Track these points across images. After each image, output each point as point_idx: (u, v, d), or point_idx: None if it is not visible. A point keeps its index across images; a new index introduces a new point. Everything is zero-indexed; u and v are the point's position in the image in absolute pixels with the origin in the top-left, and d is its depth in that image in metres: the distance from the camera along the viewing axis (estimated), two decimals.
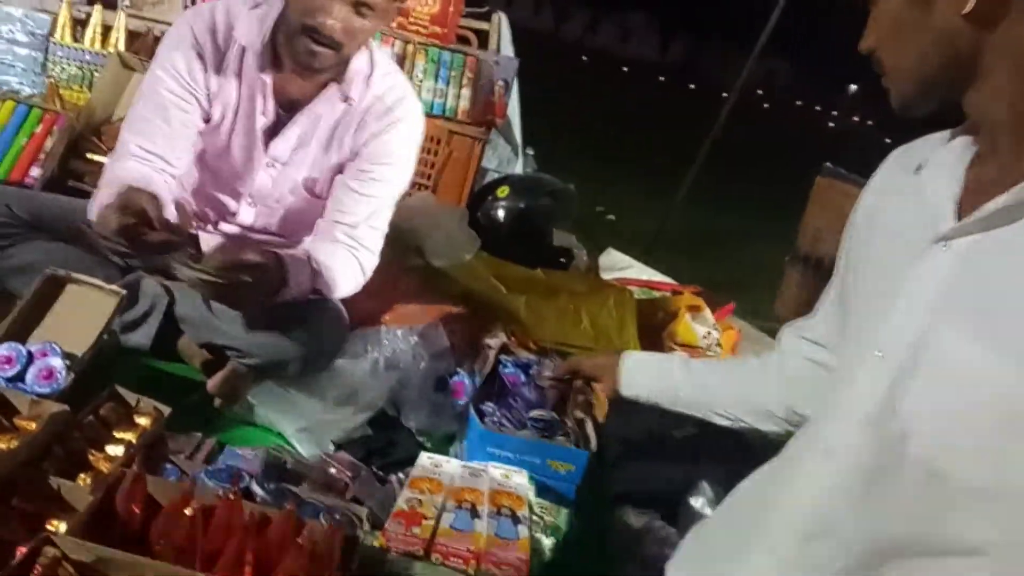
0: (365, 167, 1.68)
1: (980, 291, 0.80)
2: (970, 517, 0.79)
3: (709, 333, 2.57)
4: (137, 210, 1.36)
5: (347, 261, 1.65)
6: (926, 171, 0.92)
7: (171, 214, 1.42)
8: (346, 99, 1.65)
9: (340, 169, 1.72)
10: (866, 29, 0.90)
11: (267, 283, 1.47)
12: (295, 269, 1.53)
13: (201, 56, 1.61)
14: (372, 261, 1.71)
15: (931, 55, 0.83)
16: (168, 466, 1.30)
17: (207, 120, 1.67)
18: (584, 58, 23.98)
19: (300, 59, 1.55)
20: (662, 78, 24.96)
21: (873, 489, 0.85)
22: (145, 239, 1.36)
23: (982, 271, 0.80)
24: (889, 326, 0.86)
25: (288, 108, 1.67)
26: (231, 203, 1.76)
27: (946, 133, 0.95)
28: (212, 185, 1.75)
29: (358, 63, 1.64)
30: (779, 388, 1.21)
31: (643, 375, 1.37)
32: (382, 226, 1.72)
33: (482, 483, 1.36)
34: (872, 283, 0.95)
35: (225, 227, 1.77)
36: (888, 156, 1.05)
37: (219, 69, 1.63)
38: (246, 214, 1.76)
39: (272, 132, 1.68)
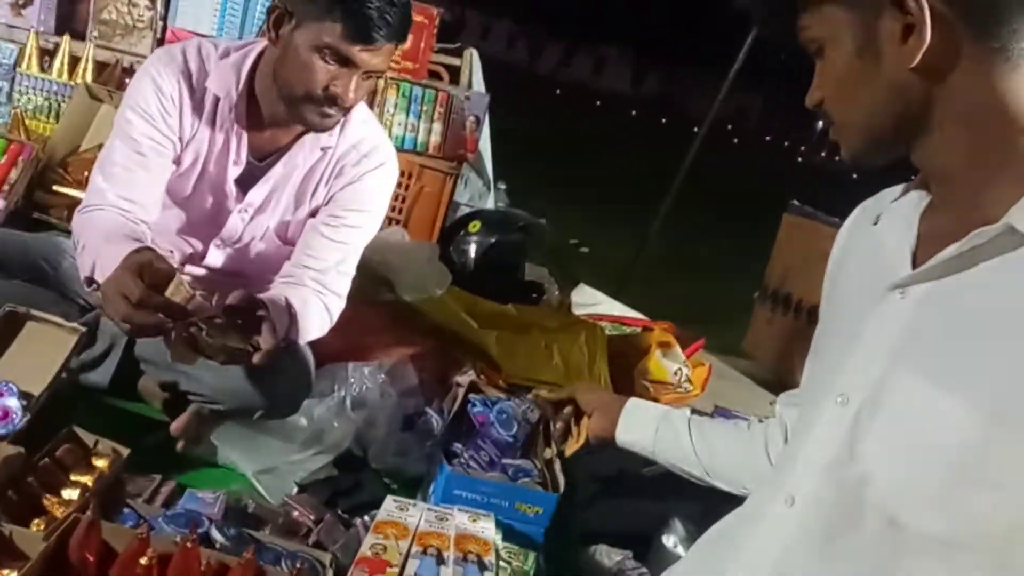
0: (338, 213, 1.66)
1: (936, 337, 0.81)
2: (926, 566, 0.79)
3: (680, 370, 2.57)
4: (159, 273, 1.25)
5: (315, 307, 1.61)
6: (883, 222, 0.93)
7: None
8: (323, 149, 1.64)
9: (312, 214, 1.70)
10: (813, 82, 0.89)
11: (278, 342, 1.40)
12: (279, 318, 1.49)
13: (174, 100, 1.57)
14: (339, 305, 1.68)
15: (880, 108, 0.84)
16: (126, 510, 1.26)
17: (176, 163, 1.63)
18: (558, 91, 24.24)
19: (310, 122, 1.52)
20: (634, 112, 25.29)
21: (834, 537, 0.85)
22: (170, 306, 1.24)
23: (938, 317, 0.81)
24: (849, 372, 0.87)
25: (260, 156, 1.65)
26: (199, 246, 1.72)
27: (901, 186, 0.96)
28: (178, 228, 1.71)
29: None
30: (766, 454, 1.20)
31: (646, 425, 1.33)
32: (350, 271, 1.70)
33: (448, 527, 1.34)
34: (834, 333, 0.96)
35: (192, 269, 1.73)
36: (853, 212, 1.06)
37: (192, 115, 1.59)
38: (214, 257, 1.72)
39: (243, 180, 1.65)
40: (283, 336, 1.46)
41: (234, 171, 1.63)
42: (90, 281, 1.44)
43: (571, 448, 1.47)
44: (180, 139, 1.59)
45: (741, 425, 1.28)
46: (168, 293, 1.25)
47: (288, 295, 1.55)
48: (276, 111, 1.57)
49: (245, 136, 1.60)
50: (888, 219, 0.92)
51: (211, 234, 1.70)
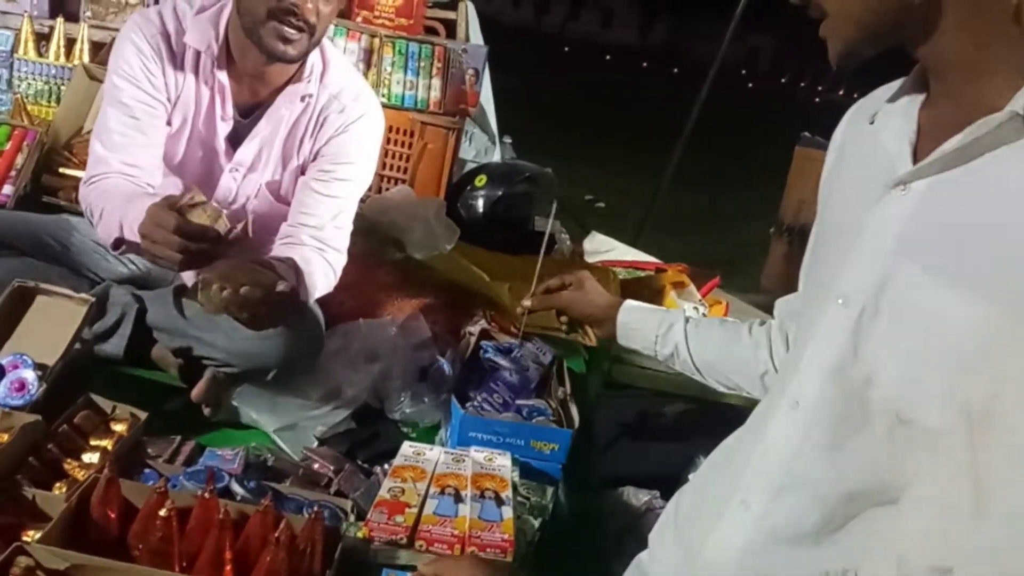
0: (327, 167, 1.66)
1: (939, 232, 0.79)
2: (932, 458, 0.79)
3: (696, 308, 2.56)
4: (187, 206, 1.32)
5: (318, 264, 1.61)
6: (879, 120, 0.91)
7: None
8: (303, 98, 1.63)
9: (302, 170, 1.70)
10: None
11: (293, 302, 1.42)
12: (287, 273, 1.49)
13: (155, 60, 1.57)
14: (341, 260, 1.69)
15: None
16: (147, 471, 1.28)
17: (168, 124, 1.64)
18: (566, 48, 23.92)
19: (271, 48, 1.50)
20: (645, 63, 24.90)
21: (841, 438, 0.86)
22: (206, 230, 1.31)
23: (940, 212, 0.80)
24: (849, 272, 0.86)
25: (245, 113, 1.64)
26: None
27: (897, 82, 0.94)
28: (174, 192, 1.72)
29: (312, 60, 1.62)
30: (770, 357, 1.21)
31: (645, 328, 1.35)
32: (347, 224, 1.70)
33: (465, 468, 1.35)
34: (833, 234, 0.94)
35: None
36: (846, 113, 1.04)
37: (175, 73, 1.59)
38: None
39: (232, 137, 1.65)
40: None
41: (223, 127, 1.63)
42: (119, 243, 1.47)
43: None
44: (168, 99, 1.60)
45: (741, 328, 1.27)
46: (197, 218, 1.32)
47: (290, 255, 1.56)
48: (250, 58, 1.57)
49: (228, 90, 1.60)
50: (884, 116, 0.91)
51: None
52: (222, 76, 1.59)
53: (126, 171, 1.56)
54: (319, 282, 1.62)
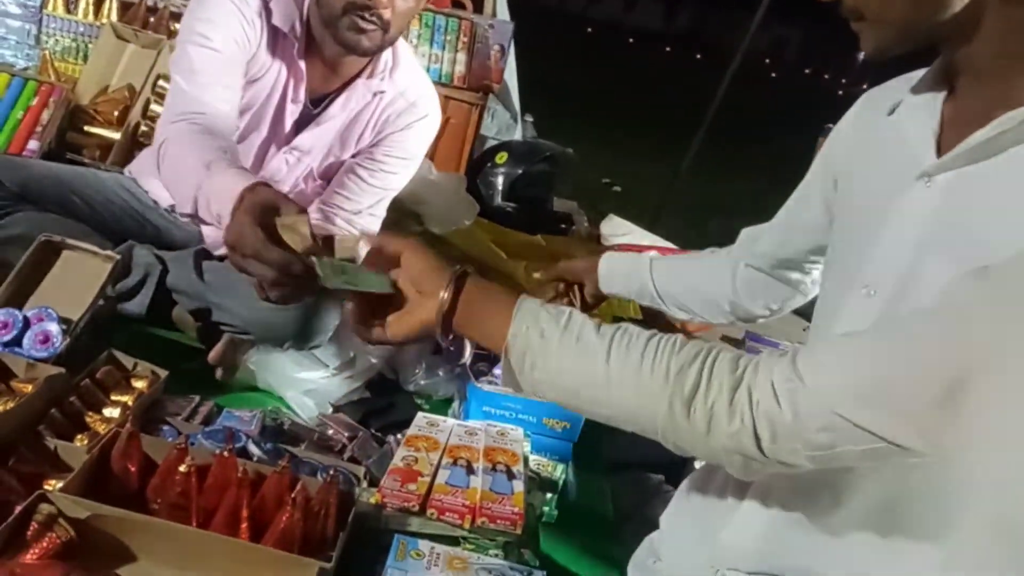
0: (379, 158, 1.68)
1: (965, 224, 0.80)
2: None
3: None
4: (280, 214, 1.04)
5: None
6: (902, 110, 0.92)
7: None
8: (376, 93, 1.65)
9: (353, 155, 1.72)
10: None
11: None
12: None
13: (255, 27, 1.54)
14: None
15: (929, 5, 0.80)
16: (165, 428, 1.30)
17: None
18: (588, 29, 23.73)
19: (346, 39, 1.51)
20: (668, 48, 24.68)
21: None
22: (286, 263, 0.99)
23: (966, 204, 0.81)
24: (874, 263, 0.87)
25: (315, 101, 1.66)
26: None
27: (915, 74, 0.94)
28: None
29: (385, 56, 1.64)
30: (727, 285, 1.33)
31: (619, 272, 1.46)
32: (381, 214, 1.73)
33: (478, 441, 1.37)
34: (855, 223, 0.95)
35: None
36: (857, 100, 1.06)
37: (263, 51, 1.58)
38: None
39: (298, 122, 1.67)
40: None
41: (292, 110, 1.65)
42: (192, 217, 1.32)
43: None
44: (250, 68, 1.58)
45: (696, 255, 1.41)
46: (288, 239, 1.01)
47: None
48: (327, 47, 1.57)
49: (305, 73, 1.60)
50: (907, 109, 0.91)
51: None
52: (301, 60, 1.59)
53: (210, 111, 1.46)
54: None
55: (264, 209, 1.03)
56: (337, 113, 1.66)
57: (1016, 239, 0.74)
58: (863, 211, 0.93)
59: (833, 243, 1.03)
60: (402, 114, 1.68)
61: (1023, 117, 0.75)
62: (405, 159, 1.71)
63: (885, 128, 0.93)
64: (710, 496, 1.05)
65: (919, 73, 0.95)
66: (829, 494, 0.89)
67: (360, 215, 1.67)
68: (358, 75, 1.65)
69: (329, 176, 1.75)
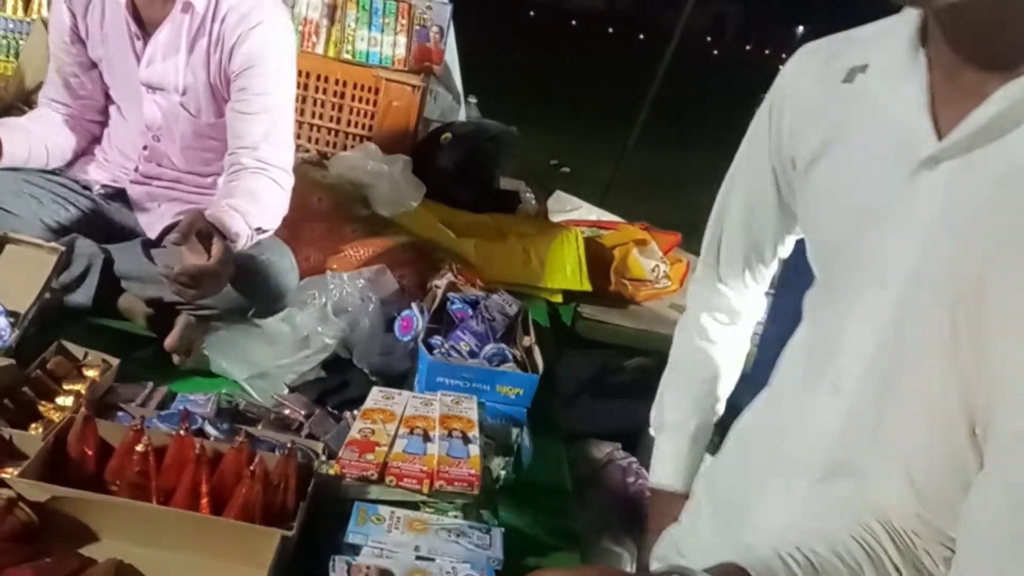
0: (241, 85, 1.68)
1: (975, 210, 0.75)
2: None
3: (657, 267, 2.62)
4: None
5: (264, 185, 1.67)
6: (873, 78, 0.84)
7: None
8: (184, 7, 1.65)
9: (225, 99, 1.73)
10: None
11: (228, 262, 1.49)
12: (229, 225, 1.53)
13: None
14: (287, 179, 1.73)
15: None
16: (120, 414, 1.31)
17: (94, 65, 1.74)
18: (531, 12, 23.71)
19: None
20: (611, 29, 24.80)
21: (886, 419, 0.84)
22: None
23: (974, 189, 0.75)
24: (884, 255, 0.82)
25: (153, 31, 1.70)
26: (139, 140, 1.80)
27: (860, 33, 0.88)
28: (123, 131, 1.81)
29: None
30: (746, 329, 1.26)
31: (688, 474, 1.27)
32: (285, 141, 1.74)
33: (433, 410, 1.40)
34: (850, 214, 0.88)
35: (146, 168, 1.83)
36: (794, 59, 0.98)
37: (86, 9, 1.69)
38: (154, 150, 1.80)
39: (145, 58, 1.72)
40: (243, 235, 1.56)
41: (138, 45, 1.68)
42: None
43: None
44: (83, 34, 1.71)
45: (700, 376, 1.26)
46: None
47: (229, 187, 1.64)
48: None
49: (123, 4, 1.64)
50: (879, 76, 0.84)
51: (143, 128, 1.78)
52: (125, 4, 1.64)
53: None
54: (272, 204, 1.68)
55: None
56: (161, 36, 1.67)
57: None
58: (855, 199, 0.86)
59: (822, 233, 0.95)
60: (236, 27, 1.66)
61: None
62: (263, 74, 1.68)
63: (852, 99, 0.86)
64: (730, 491, 1.05)
65: (867, 31, 0.87)
66: (863, 498, 0.86)
67: (259, 147, 1.68)
68: None
69: (201, 118, 1.77)
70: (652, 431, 1.32)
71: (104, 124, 1.85)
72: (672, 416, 1.28)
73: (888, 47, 0.82)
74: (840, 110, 0.88)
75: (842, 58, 0.89)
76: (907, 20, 0.81)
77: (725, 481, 1.08)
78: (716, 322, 1.25)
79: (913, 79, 0.78)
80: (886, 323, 0.82)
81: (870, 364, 0.84)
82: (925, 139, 0.77)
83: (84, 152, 1.85)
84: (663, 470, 1.28)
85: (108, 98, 1.81)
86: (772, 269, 1.21)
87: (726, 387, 1.26)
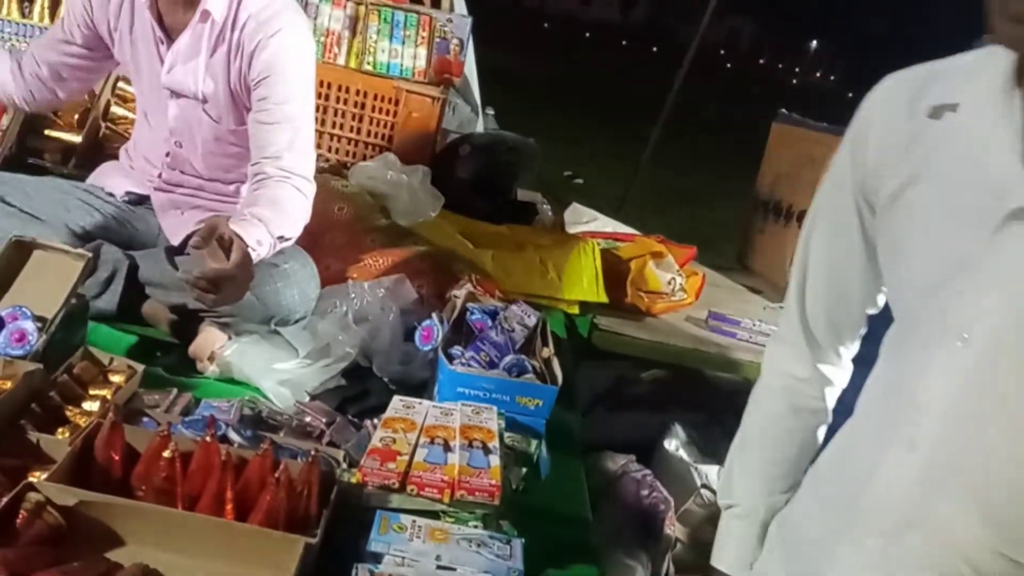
0: (262, 94, 1.70)
1: None
2: None
3: (673, 279, 2.63)
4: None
5: (285, 191, 1.68)
6: (965, 119, 0.81)
7: None
8: (203, 14, 1.67)
9: (247, 107, 1.75)
10: None
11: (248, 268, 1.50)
12: (250, 233, 1.54)
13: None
14: (310, 188, 1.74)
15: None
16: (145, 420, 1.32)
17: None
18: (546, 25, 23.83)
19: None
20: (624, 42, 24.89)
21: (962, 475, 0.82)
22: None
23: None
24: (970, 310, 0.79)
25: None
26: (163, 147, 1.82)
27: (956, 67, 0.85)
28: (148, 138, 1.85)
29: None
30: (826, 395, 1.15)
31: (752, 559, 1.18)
32: (306, 149, 1.75)
33: (453, 420, 1.40)
34: (932, 261, 0.85)
35: (169, 175, 1.85)
36: (877, 90, 0.95)
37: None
38: (176, 157, 1.83)
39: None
40: (265, 243, 1.56)
41: (163, 50, 1.71)
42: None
43: None
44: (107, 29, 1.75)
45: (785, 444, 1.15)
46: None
47: (252, 197, 1.65)
48: None
49: (154, 10, 1.67)
50: (972, 116, 0.80)
51: (166, 134, 1.81)
52: (150, 9, 1.67)
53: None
54: (295, 212, 1.68)
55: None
56: (183, 43, 1.69)
57: None
58: (940, 245, 0.83)
59: (904, 274, 0.91)
60: (254, 35, 1.68)
61: None
62: (283, 82, 1.69)
63: (941, 136, 0.82)
64: (803, 543, 1.03)
65: (952, 65, 0.85)
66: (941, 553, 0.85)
67: (282, 156, 1.69)
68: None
69: (223, 124, 1.79)
70: (719, 501, 1.23)
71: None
72: (741, 497, 1.18)
73: (979, 86, 0.80)
74: (927, 147, 0.85)
75: (929, 94, 0.86)
76: (997, 57, 0.78)
77: (800, 531, 1.06)
78: (798, 393, 1.13)
79: (1007, 124, 0.76)
80: (966, 382, 0.80)
81: (948, 421, 0.82)
82: (1015, 189, 0.74)
83: None
84: (727, 555, 1.19)
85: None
86: (861, 325, 1.09)
87: (803, 464, 1.15)
